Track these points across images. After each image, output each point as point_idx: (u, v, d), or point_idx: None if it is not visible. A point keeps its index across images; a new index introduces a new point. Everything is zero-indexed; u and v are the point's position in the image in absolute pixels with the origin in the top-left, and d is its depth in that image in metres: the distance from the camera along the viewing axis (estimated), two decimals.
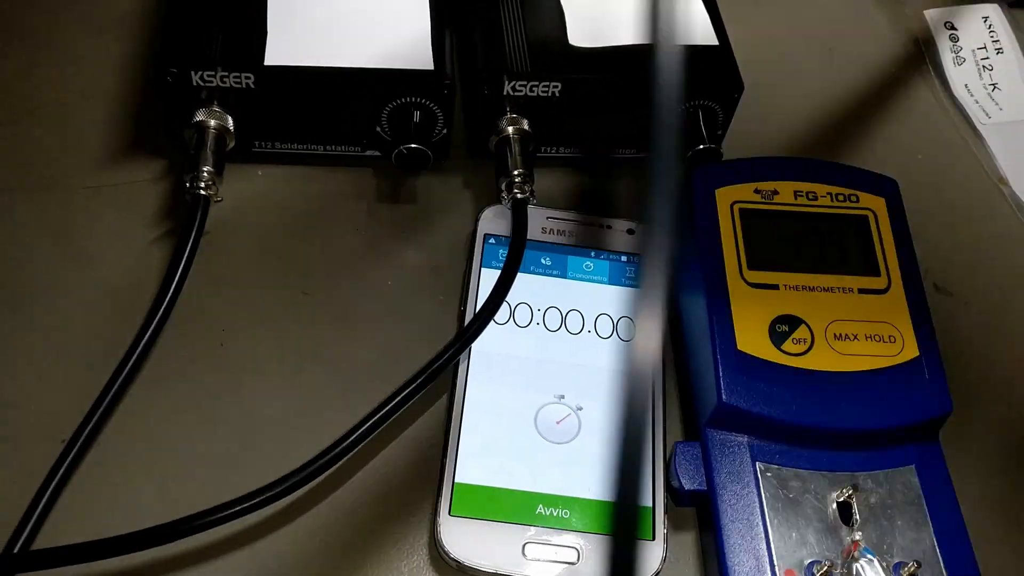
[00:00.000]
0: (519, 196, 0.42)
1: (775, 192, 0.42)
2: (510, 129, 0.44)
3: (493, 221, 0.44)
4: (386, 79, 0.42)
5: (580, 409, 0.39)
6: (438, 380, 0.38)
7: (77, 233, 0.43)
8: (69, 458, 0.36)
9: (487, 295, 0.40)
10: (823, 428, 0.37)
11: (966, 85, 0.53)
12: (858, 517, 0.36)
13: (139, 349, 0.37)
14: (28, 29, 0.49)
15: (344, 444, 0.35)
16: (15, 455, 0.36)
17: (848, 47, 0.56)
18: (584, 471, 0.37)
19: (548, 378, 0.40)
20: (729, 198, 0.41)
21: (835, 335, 0.38)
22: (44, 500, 0.35)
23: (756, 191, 0.42)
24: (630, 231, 0.44)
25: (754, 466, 0.37)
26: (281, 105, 0.43)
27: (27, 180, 0.44)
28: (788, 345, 0.38)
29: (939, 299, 0.45)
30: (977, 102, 0.53)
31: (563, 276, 0.43)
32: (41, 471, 0.35)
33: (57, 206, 0.43)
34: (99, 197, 0.44)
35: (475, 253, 0.43)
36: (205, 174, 0.41)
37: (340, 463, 0.36)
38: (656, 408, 0.39)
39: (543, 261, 0.43)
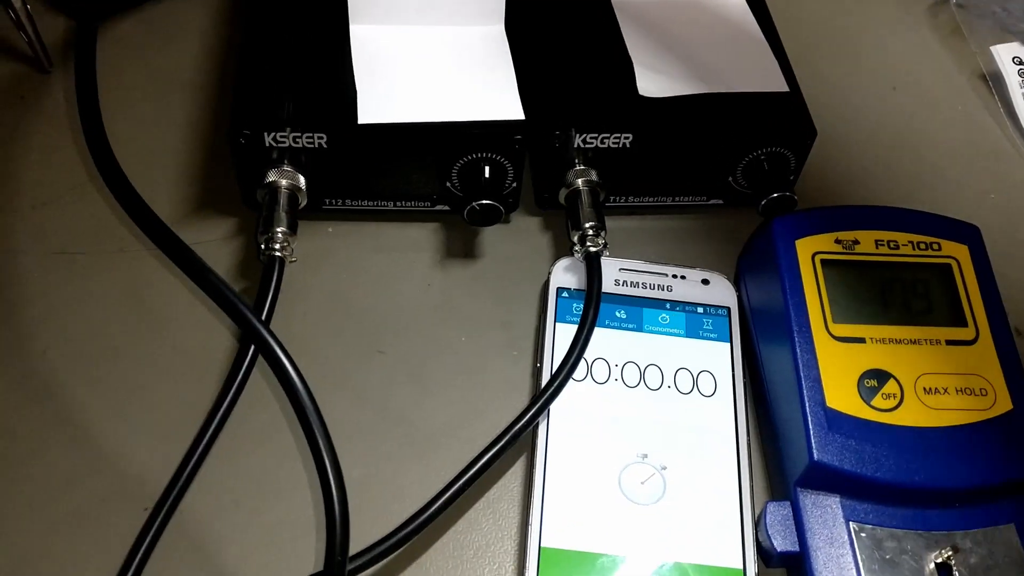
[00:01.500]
0: (592, 249, 0.42)
1: (856, 242, 0.41)
2: (580, 181, 0.44)
3: (565, 274, 0.43)
4: (477, 132, 0.42)
5: (664, 468, 0.38)
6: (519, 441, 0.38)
7: (149, 296, 0.43)
8: (154, 527, 0.35)
9: (564, 351, 0.40)
10: (917, 486, 0.36)
11: None
12: None
13: (218, 417, 0.37)
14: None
15: (429, 512, 0.35)
16: (98, 525, 0.36)
17: (913, 86, 0.55)
18: (672, 533, 0.37)
19: (630, 436, 0.39)
20: (810, 249, 0.40)
21: (925, 389, 0.38)
22: (132, 571, 0.34)
23: (837, 241, 0.41)
24: (705, 281, 0.44)
25: (848, 526, 0.36)
26: (356, 163, 0.43)
27: (98, 243, 0.44)
28: (878, 400, 0.37)
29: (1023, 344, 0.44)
30: None
31: (639, 329, 0.42)
32: (126, 542, 0.35)
33: (129, 268, 0.43)
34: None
35: (548, 307, 0.42)
36: (279, 234, 0.41)
37: (424, 531, 0.35)
38: (742, 466, 0.38)
39: (618, 314, 0.42)
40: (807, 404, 0.37)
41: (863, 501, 0.36)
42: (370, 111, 0.42)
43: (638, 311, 0.43)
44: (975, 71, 0.56)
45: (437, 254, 0.45)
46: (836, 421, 0.36)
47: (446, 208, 0.46)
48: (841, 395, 0.37)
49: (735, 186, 0.46)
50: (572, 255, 0.43)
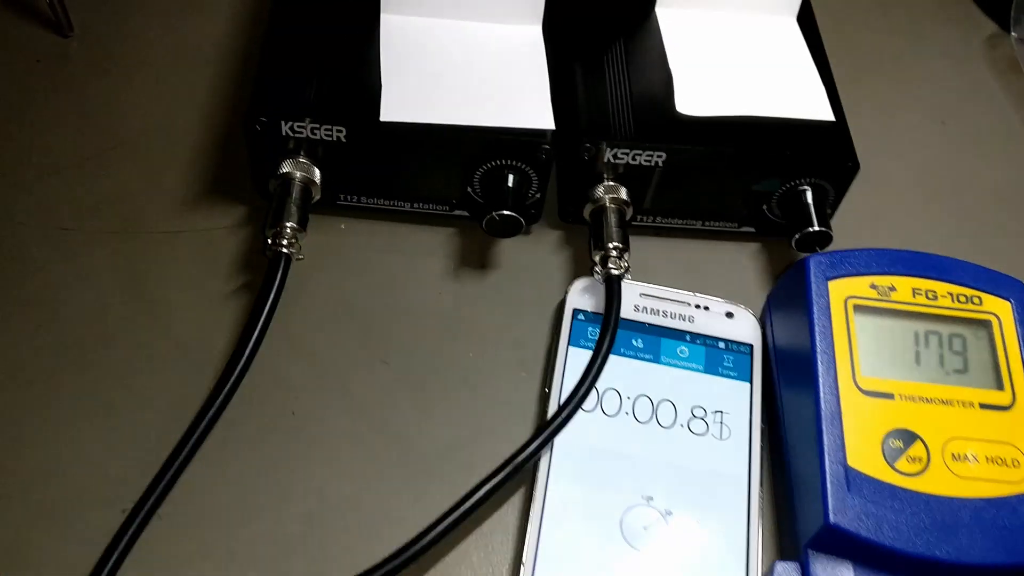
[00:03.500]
0: (614, 271, 0.40)
1: (892, 288, 0.39)
2: (607, 198, 0.42)
3: (583, 295, 0.41)
4: (505, 138, 0.40)
5: (670, 514, 0.36)
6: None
7: (149, 281, 0.41)
8: (130, 531, 0.34)
9: (574, 378, 0.38)
10: (937, 560, 0.33)
11: None
12: None
13: (206, 419, 0.36)
14: (115, 57, 0.48)
15: (418, 546, 0.33)
16: (74, 525, 0.34)
17: (964, 121, 0.52)
18: None
19: (636, 476, 0.37)
20: (844, 292, 0.38)
21: (953, 455, 0.35)
22: (105, 572, 0.33)
23: (872, 286, 0.39)
24: (729, 314, 0.41)
25: None
26: (375, 160, 0.41)
27: (102, 220, 0.42)
28: (902, 463, 0.35)
29: None
30: None
31: (655, 361, 0.40)
32: (101, 543, 0.34)
33: (131, 250, 0.42)
34: (175, 243, 0.42)
35: (562, 329, 0.40)
36: (288, 230, 0.39)
37: (414, 563, 0.33)
38: (752, 518, 0.36)
39: (634, 343, 0.40)
40: (826, 461, 0.35)
41: (878, 571, 0.34)
42: (393, 108, 0.40)
43: (656, 341, 0.40)
44: None
45: (451, 261, 0.43)
46: (856, 482, 0.34)
47: (465, 214, 0.44)
48: (864, 454, 0.35)
49: (769, 215, 0.44)
50: (592, 275, 0.41)
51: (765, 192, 0.43)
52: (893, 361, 0.37)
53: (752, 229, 0.45)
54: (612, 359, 0.39)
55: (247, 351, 0.37)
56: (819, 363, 0.37)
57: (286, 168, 0.40)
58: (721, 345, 0.41)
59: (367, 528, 0.36)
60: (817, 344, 0.37)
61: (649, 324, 0.41)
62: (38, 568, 0.34)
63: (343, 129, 0.39)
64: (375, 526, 0.36)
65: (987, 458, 0.35)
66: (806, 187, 0.43)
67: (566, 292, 0.41)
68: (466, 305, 0.42)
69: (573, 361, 0.39)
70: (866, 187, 0.46)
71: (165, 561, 0.34)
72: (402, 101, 0.40)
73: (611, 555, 0.35)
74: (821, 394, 0.36)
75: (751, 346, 0.41)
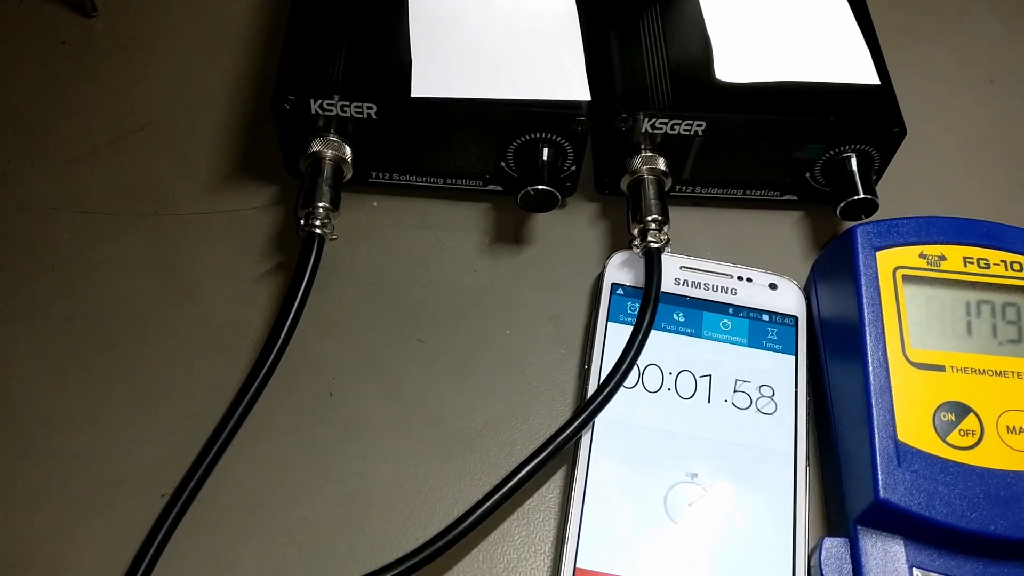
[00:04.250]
0: (653, 245, 0.39)
1: (942, 257, 0.37)
2: (645, 169, 0.41)
3: (621, 269, 0.40)
4: (538, 111, 0.39)
5: (715, 490, 0.35)
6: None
7: (181, 264, 0.40)
8: (171, 517, 0.33)
9: (614, 354, 0.37)
10: (991, 535, 0.32)
11: None
12: None
13: (243, 403, 0.35)
14: (139, 37, 0.47)
15: (461, 527, 0.32)
16: (115, 512, 0.34)
17: (1014, 79, 0.50)
18: (718, 562, 0.34)
19: (680, 453, 0.36)
20: (892, 262, 0.37)
21: (1008, 428, 0.34)
22: (147, 560, 0.33)
23: (922, 255, 0.37)
24: (772, 286, 0.40)
25: (911, 572, 0.33)
26: (407, 137, 0.40)
27: (133, 204, 0.42)
28: (954, 437, 0.34)
29: None
30: None
31: (698, 335, 0.39)
32: (142, 529, 0.33)
33: (162, 233, 0.41)
34: (206, 225, 0.42)
35: (601, 305, 0.39)
36: (321, 210, 0.38)
37: (457, 544, 0.33)
38: (799, 494, 0.36)
39: (676, 317, 0.39)
40: (876, 435, 0.34)
41: (930, 547, 0.33)
42: (425, 83, 0.39)
43: (698, 315, 0.40)
44: None
45: (486, 237, 0.42)
46: (907, 457, 0.33)
47: (499, 189, 0.43)
48: (914, 428, 0.34)
49: (812, 183, 0.43)
50: (630, 248, 0.40)
51: (808, 159, 0.42)
52: (944, 332, 0.36)
53: (795, 197, 0.44)
54: (653, 334, 0.38)
55: (283, 333, 0.36)
56: (867, 335, 0.35)
57: (316, 147, 0.39)
58: (765, 318, 0.40)
59: (408, 509, 0.35)
60: (865, 316, 0.36)
61: (690, 297, 0.40)
62: (81, 556, 0.34)
63: (373, 106, 0.39)
64: (416, 507, 0.35)
65: None
66: (851, 154, 0.41)
67: (604, 266, 0.40)
68: (502, 281, 0.41)
69: (613, 337, 0.39)
70: (913, 152, 0.45)
71: (205, 546, 0.34)
72: (433, 76, 0.39)
73: (655, 532, 0.34)
74: (870, 367, 0.35)
75: (796, 318, 0.40)
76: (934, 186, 0.46)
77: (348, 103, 0.38)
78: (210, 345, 0.38)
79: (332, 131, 0.40)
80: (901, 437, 0.34)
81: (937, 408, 0.34)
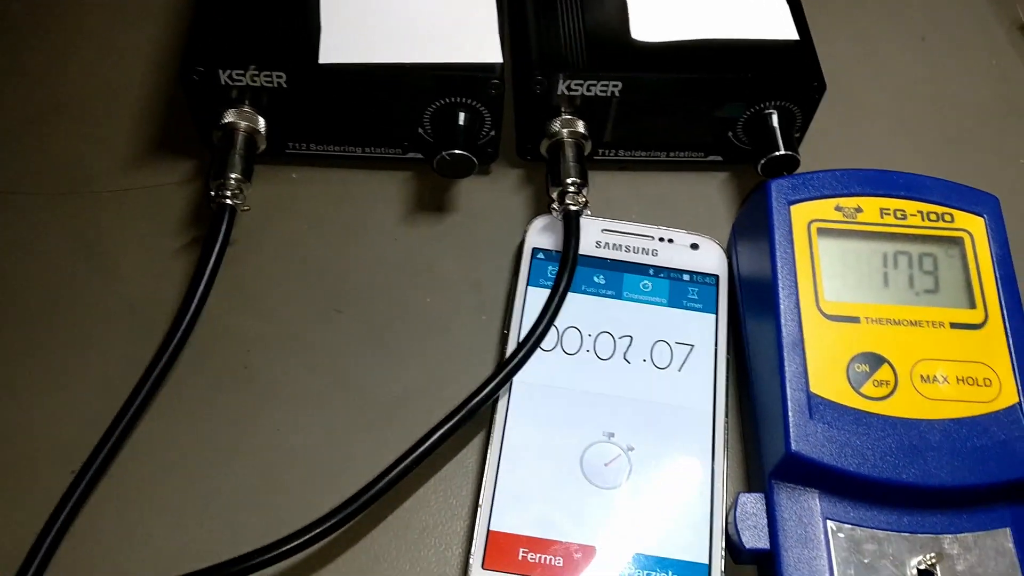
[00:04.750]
0: (572, 207, 0.39)
1: (858, 209, 0.37)
2: (564, 132, 0.40)
3: (542, 233, 0.40)
4: (451, 74, 0.38)
5: (631, 450, 0.35)
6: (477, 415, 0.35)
7: (99, 241, 0.40)
8: (78, 492, 0.33)
9: (533, 319, 0.37)
10: (905, 484, 0.32)
11: None
12: None
13: (155, 373, 0.35)
14: (57, 17, 0.47)
15: (371, 492, 0.32)
16: (23, 486, 0.34)
17: (944, 36, 0.50)
18: (635, 521, 0.34)
19: (597, 413, 0.36)
20: (807, 216, 0.37)
21: (922, 377, 0.34)
22: (51, 537, 0.32)
23: (837, 208, 0.37)
24: (694, 246, 0.40)
25: (824, 525, 0.33)
26: (320, 105, 0.40)
27: (49, 182, 0.41)
28: (868, 388, 0.34)
29: None
30: None
31: (618, 297, 0.39)
32: (49, 504, 0.33)
33: (79, 211, 0.41)
34: (123, 201, 0.41)
35: (522, 269, 0.39)
36: (232, 181, 0.38)
37: (367, 510, 0.33)
38: (716, 451, 0.35)
39: (596, 279, 0.39)
40: (788, 388, 0.33)
41: (844, 498, 0.33)
42: (334, 49, 0.38)
43: (618, 276, 0.39)
44: (1015, 21, 0.51)
45: (406, 206, 0.42)
46: (819, 408, 0.33)
47: (419, 156, 0.42)
48: (827, 380, 0.34)
49: (735, 142, 0.43)
50: (551, 213, 0.40)
51: (729, 118, 0.41)
52: (859, 284, 0.36)
53: (719, 158, 0.44)
54: (572, 297, 0.38)
55: (194, 303, 0.36)
56: (780, 289, 0.35)
57: (228, 118, 0.39)
58: (686, 277, 0.39)
59: (324, 479, 0.35)
60: (778, 270, 0.36)
61: (611, 260, 0.40)
62: None
63: (283, 75, 0.38)
64: (332, 476, 0.35)
65: (957, 378, 0.34)
66: (771, 110, 0.41)
67: (525, 231, 0.40)
68: (423, 250, 0.41)
69: (533, 301, 0.38)
70: (841, 109, 0.45)
71: (117, 521, 0.34)
72: (342, 41, 0.39)
73: (571, 493, 0.34)
74: (782, 320, 0.35)
75: (717, 277, 0.39)
76: (864, 144, 0.46)
77: (257, 72, 0.38)
78: (127, 321, 0.38)
79: (245, 102, 0.39)
80: (813, 389, 0.34)
81: (851, 359, 0.34)
